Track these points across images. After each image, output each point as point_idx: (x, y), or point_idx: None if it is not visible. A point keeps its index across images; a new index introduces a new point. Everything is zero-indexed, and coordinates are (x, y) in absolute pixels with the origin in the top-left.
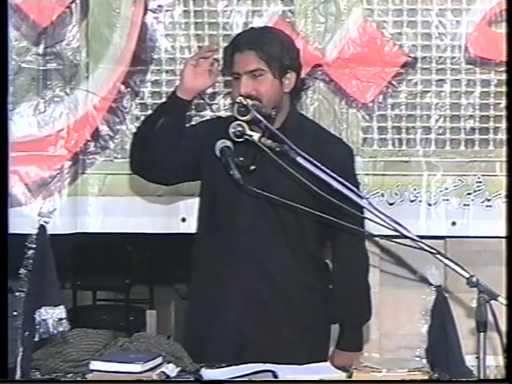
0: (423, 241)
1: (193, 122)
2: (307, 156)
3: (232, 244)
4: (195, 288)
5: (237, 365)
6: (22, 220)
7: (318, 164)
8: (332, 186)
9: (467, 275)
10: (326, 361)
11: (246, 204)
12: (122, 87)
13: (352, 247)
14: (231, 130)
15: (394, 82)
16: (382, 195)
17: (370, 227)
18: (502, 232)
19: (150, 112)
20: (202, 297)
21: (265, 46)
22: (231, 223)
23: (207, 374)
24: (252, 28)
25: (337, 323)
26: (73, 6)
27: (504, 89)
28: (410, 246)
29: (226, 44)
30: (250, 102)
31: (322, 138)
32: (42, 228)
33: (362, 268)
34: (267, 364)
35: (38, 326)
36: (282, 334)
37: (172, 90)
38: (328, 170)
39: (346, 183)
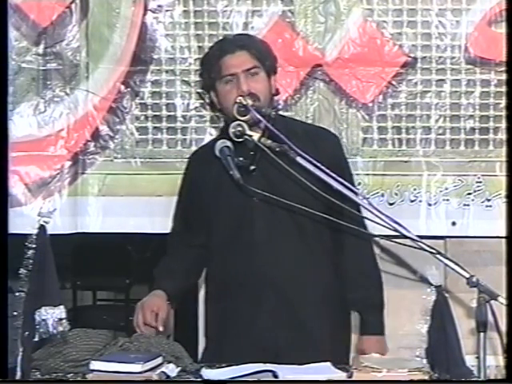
0: (423, 241)
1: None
2: (307, 156)
3: (252, 255)
4: (219, 302)
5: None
6: (22, 220)
7: (318, 164)
8: (332, 186)
9: (467, 275)
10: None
11: (258, 213)
12: (122, 87)
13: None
14: (231, 130)
15: (393, 82)
16: (382, 195)
17: (370, 227)
18: (502, 232)
19: (149, 112)
20: (231, 308)
21: (255, 44)
22: (247, 235)
23: (207, 373)
24: (226, 36)
25: (357, 310)
26: (73, 6)
27: (504, 89)
28: (410, 246)
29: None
30: (249, 101)
31: (312, 133)
32: (42, 228)
33: (371, 252)
34: (267, 364)
35: (37, 326)
36: (314, 335)
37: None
38: (328, 170)
39: (346, 183)
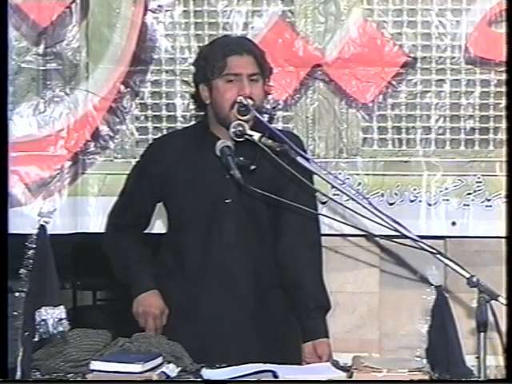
0: (423, 241)
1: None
2: (308, 156)
3: (212, 255)
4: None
5: (237, 365)
6: (22, 220)
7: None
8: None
9: (467, 275)
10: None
11: (224, 214)
12: (122, 87)
13: (299, 234)
14: (231, 130)
15: (393, 82)
16: (382, 195)
17: (370, 227)
18: (502, 232)
19: (149, 112)
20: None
21: (259, 52)
22: (208, 234)
23: (207, 373)
24: (229, 36)
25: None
26: (73, 5)
27: (504, 89)
28: (410, 246)
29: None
30: (250, 101)
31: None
32: (42, 228)
33: (309, 255)
34: (267, 364)
35: (38, 326)
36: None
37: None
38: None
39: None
